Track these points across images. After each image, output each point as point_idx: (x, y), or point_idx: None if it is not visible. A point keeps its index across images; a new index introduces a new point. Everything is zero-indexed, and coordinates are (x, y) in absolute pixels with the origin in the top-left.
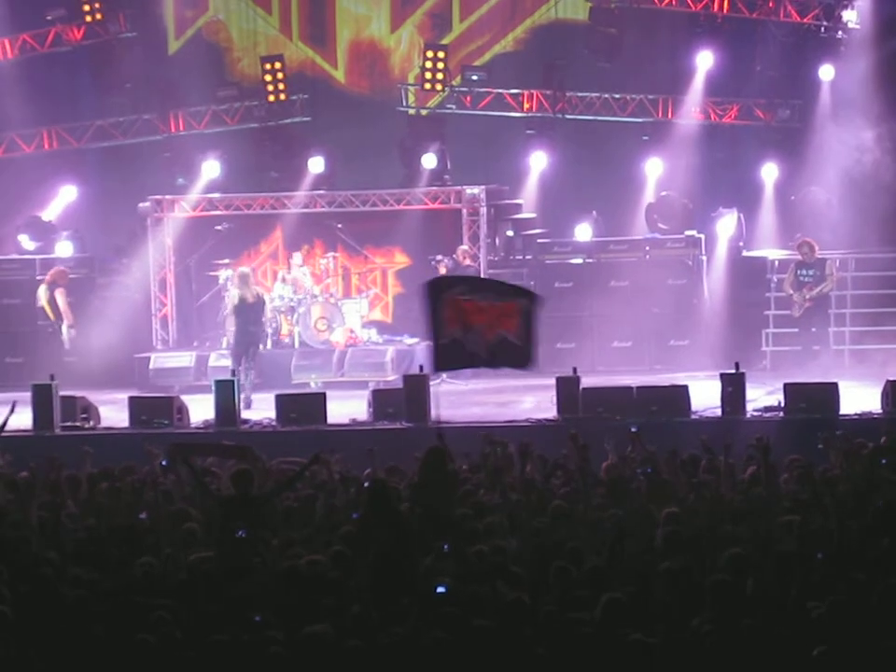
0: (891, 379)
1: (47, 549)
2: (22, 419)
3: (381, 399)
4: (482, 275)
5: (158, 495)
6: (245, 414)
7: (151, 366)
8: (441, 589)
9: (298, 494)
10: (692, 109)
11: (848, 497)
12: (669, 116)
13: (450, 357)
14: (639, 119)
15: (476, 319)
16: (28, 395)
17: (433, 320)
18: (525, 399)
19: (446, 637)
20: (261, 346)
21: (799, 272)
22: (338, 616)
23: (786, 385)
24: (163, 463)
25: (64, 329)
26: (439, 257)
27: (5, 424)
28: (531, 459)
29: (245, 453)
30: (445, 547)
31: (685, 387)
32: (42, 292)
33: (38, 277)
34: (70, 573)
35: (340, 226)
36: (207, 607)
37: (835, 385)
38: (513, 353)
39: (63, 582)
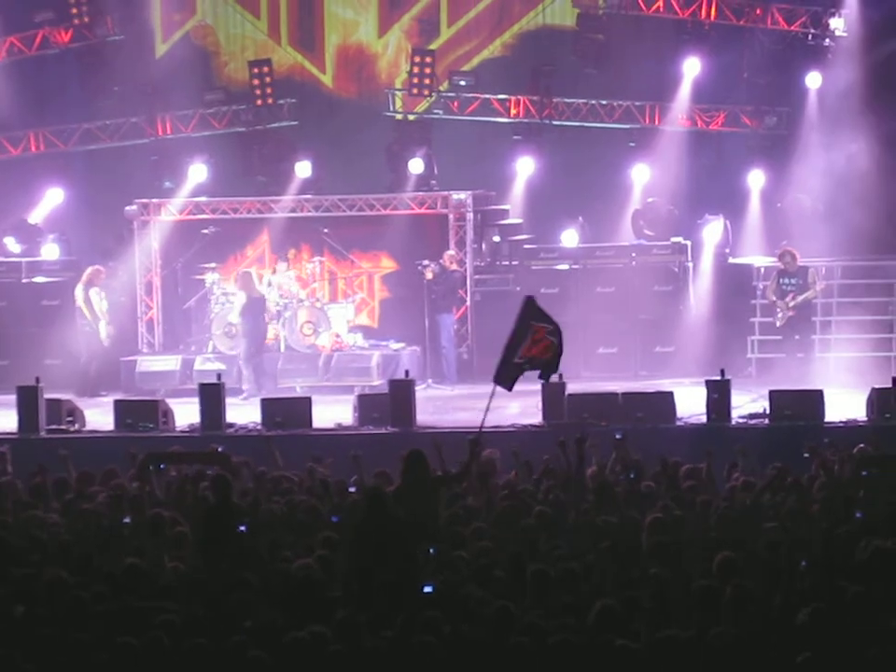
0: (877, 386)
1: (29, 551)
2: (7, 422)
3: (366, 404)
4: (466, 281)
5: (144, 499)
6: (230, 418)
7: (137, 369)
8: (427, 588)
9: (287, 498)
10: (678, 116)
11: (834, 505)
12: (656, 122)
13: (508, 374)
14: (626, 126)
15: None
16: (13, 397)
17: (515, 339)
18: (511, 404)
19: (432, 642)
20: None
21: (781, 280)
22: (324, 620)
23: (771, 392)
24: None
25: (102, 327)
26: (425, 262)
27: None
28: (518, 466)
29: (221, 459)
30: (432, 550)
31: (670, 394)
32: (79, 292)
33: (24, 280)
34: (52, 575)
35: (326, 230)
36: (193, 611)
37: (821, 392)
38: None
39: (45, 584)
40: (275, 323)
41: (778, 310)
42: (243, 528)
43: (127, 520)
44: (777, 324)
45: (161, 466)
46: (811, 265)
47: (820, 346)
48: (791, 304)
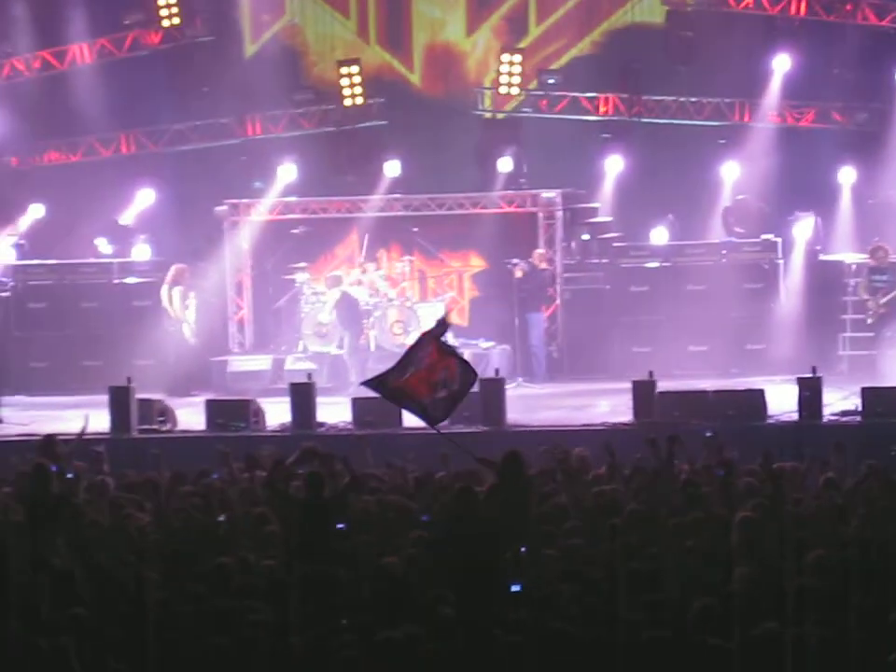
0: None
1: (124, 551)
2: (100, 422)
3: None
4: (556, 279)
5: (238, 497)
6: (321, 417)
7: (228, 369)
8: (515, 587)
9: (377, 497)
10: (768, 112)
11: None
12: (746, 119)
13: (439, 410)
14: (716, 123)
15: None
16: (105, 398)
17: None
18: (601, 402)
19: (521, 642)
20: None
21: (872, 277)
22: (418, 619)
23: (863, 390)
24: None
25: (185, 328)
26: (514, 260)
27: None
28: (609, 463)
29: (321, 456)
30: (523, 549)
31: (762, 391)
32: (164, 292)
33: (115, 281)
34: (146, 575)
35: (416, 230)
36: (286, 610)
37: None
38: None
39: (140, 584)
40: (365, 322)
41: (870, 307)
42: (341, 526)
43: (221, 518)
44: (869, 321)
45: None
46: None
47: None
48: (883, 301)
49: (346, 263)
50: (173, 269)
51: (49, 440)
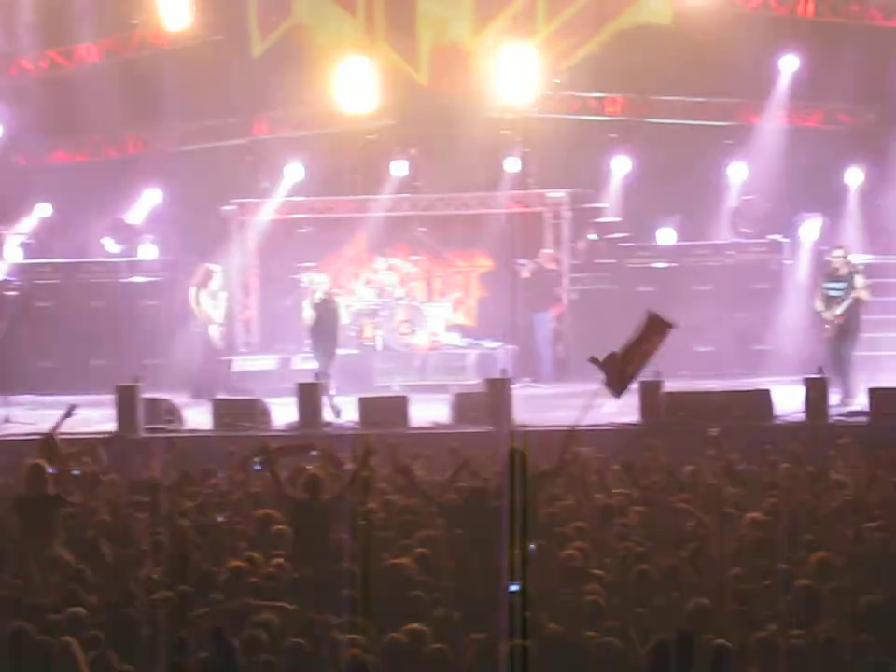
0: None
1: (128, 550)
2: (107, 421)
3: (463, 403)
4: (563, 279)
5: (245, 498)
6: (327, 417)
7: (234, 369)
8: (512, 588)
9: (381, 499)
10: (775, 113)
11: None
12: (753, 119)
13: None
14: (723, 123)
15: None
16: (112, 397)
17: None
18: (607, 402)
19: (525, 645)
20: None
21: (825, 286)
22: (422, 619)
23: (870, 390)
24: (257, 467)
25: (212, 329)
26: (522, 261)
27: (58, 425)
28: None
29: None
30: (532, 548)
31: (768, 391)
32: (192, 294)
33: (122, 280)
34: (146, 575)
35: (423, 229)
36: (288, 609)
37: None
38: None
39: (141, 585)
40: (372, 322)
41: (826, 319)
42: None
43: (221, 518)
44: (825, 335)
45: (258, 467)
46: (859, 269)
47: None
48: (839, 312)
49: (353, 263)
50: (200, 269)
51: (48, 439)
